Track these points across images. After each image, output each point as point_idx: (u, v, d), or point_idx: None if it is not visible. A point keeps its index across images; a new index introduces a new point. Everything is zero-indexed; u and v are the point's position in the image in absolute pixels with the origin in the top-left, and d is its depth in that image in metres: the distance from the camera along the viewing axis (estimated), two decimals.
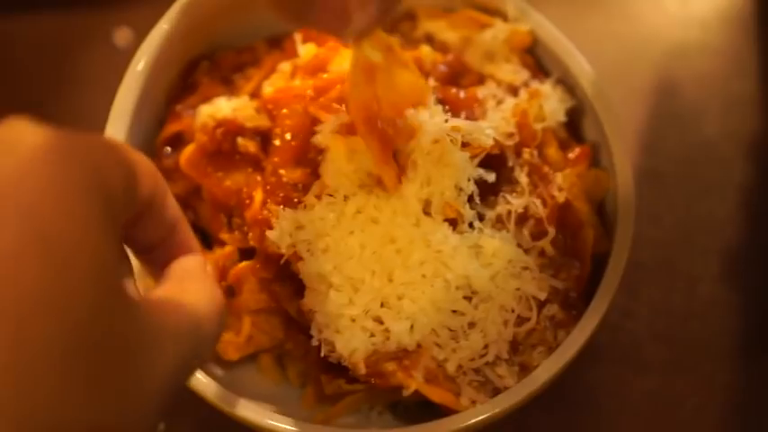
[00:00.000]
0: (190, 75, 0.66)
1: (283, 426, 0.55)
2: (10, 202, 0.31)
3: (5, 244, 0.30)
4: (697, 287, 0.72)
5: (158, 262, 0.45)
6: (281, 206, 0.57)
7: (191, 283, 0.42)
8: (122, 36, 0.84)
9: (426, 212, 0.56)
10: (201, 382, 0.57)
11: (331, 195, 0.56)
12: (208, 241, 0.64)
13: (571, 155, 0.62)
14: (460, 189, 0.56)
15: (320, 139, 0.57)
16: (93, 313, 0.32)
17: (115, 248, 0.35)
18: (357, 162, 0.56)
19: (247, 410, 0.56)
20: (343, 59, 0.60)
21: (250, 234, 0.59)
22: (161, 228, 0.43)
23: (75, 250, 0.31)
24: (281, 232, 0.56)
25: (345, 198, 0.56)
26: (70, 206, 0.32)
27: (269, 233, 0.56)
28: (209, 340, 0.41)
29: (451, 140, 0.55)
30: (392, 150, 0.55)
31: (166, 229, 0.44)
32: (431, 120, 0.56)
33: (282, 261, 0.56)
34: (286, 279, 0.58)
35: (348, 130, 0.57)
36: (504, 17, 0.65)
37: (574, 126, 0.65)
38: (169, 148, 0.64)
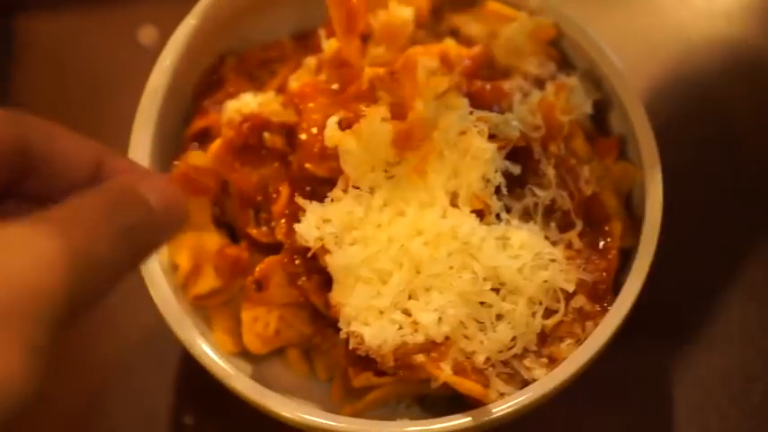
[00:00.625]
0: (216, 71, 0.67)
1: (315, 419, 0.55)
2: None
3: None
4: (724, 282, 0.71)
5: None
6: (309, 200, 0.57)
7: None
8: (147, 34, 0.84)
9: (453, 204, 0.56)
10: (232, 375, 0.57)
11: (357, 188, 0.56)
12: (235, 237, 0.64)
13: (598, 148, 0.62)
14: (488, 181, 0.56)
15: (327, 138, 0.57)
16: None
17: None
18: (372, 151, 0.56)
19: (278, 404, 0.56)
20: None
21: (277, 228, 0.59)
22: (67, 175, 0.39)
23: None
24: (309, 225, 0.56)
25: (371, 190, 0.56)
26: None
27: (297, 226, 0.56)
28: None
29: (478, 132, 0.55)
30: (361, 22, 0.57)
31: (78, 175, 0.39)
32: (456, 111, 0.56)
33: (310, 254, 0.56)
34: (313, 273, 0.58)
35: (347, 123, 0.57)
36: (529, 10, 0.65)
37: (600, 119, 0.65)
38: (197, 144, 0.65)
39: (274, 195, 0.60)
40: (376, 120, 0.56)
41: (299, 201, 0.57)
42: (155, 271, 0.59)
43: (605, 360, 0.56)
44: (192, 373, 0.70)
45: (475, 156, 0.55)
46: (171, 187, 0.39)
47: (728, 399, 0.67)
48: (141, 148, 0.62)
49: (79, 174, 0.39)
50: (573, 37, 0.64)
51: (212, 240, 0.63)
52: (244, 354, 0.62)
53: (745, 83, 0.78)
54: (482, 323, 0.55)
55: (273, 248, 0.61)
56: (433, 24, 0.69)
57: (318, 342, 0.61)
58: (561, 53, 0.65)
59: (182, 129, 0.66)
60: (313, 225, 0.56)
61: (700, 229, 0.73)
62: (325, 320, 0.60)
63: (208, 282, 0.61)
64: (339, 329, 0.56)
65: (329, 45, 0.62)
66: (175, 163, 0.61)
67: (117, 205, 0.35)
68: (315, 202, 0.57)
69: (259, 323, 0.61)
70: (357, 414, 0.59)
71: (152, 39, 0.84)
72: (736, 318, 0.70)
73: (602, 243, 0.59)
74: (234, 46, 0.68)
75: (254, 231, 0.61)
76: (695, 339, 0.69)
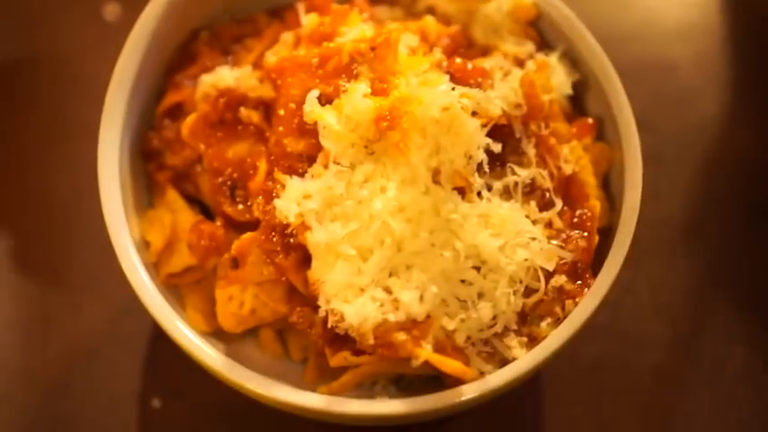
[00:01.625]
0: (189, 46, 0.65)
1: (296, 399, 0.54)
2: None
3: None
4: (696, 264, 0.72)
5: None
6: (289, 175, 0.56)
7: None
8: (111, 11, 0.83)
9: (435, 181, 0.55)
10: (206, 354, 0.56)
11: (338, 164, 0.55)
12: (209, 214, 0.63)
13: (576, 128, 0.62)
14: (470, 157, 0.55)
15: (306, 113, 0.56)
16: None
17: None
18: (353, 127, 0.55)
19: (256, 382, 0.55)
20: (349, 26, 0.59)
21: (254, 205, 0.58)
22: None
23: None
24: (289, 201, 0.55)
25: (352, 166, 0.55)
26: None
27: (276, 202, 0.55)
28: None
29: (462, 108, 0.54)
30: None
31: None
32: (439, 87, 0.55)
33: (290, 230, 0.55)
34: (291, 250, 0.57)
35: (327, 98, 0.56)
36: None
37: (578, 100, 0.65)
38: (168, 120, 0.63)
39: (251, 172, 0.59)
40: (357, 95, 0.55)
41: (279, 176, 0.56)
42: (127, 248, 0.58)
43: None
44: (160, 355, 0.69)
45: (457, 132, 0.55)
46: None
47: None
48: (113, 123, 0.60)
49: None
50: (552, 16, 0.64)
51: (186, 217, 0.61)
52: (216, 334, 0.61)
53: (717, 70, 0.79)
54: (463, 301, 0.55)
55: (250, 227, 0.60)
56: (409, 2, 0.68)
57: (294, 321, 0.60)
58: (539, 33, 0.65)
59: (154, 104, 0.64)
60: (293, 201, 0.55)
61: (668, 211, 0.73)
62: (301, 299, 0.59)
63: (181, 260, 0.60)
64: (315, 309, 0.55)
65: (309, 20, 0.61)
66: None
67: None
68: (295, 178, 0.56)
69: (234, 302, 0.60)
70: (333, 394, 0.58)
71: (116, 15, 0.83)
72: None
73: (581, 222, 0.59)
74: (207, 21, 0.66)
75: (229, 209, 0.60)
76: None
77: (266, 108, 0.60)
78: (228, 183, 0.61)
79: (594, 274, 0.58)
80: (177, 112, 0.63)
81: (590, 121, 0.63)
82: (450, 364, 0.54)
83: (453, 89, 0.56)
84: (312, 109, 0.56)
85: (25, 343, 0.69)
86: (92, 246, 0.71)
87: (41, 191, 0.75)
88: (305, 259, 0.56)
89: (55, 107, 0.78)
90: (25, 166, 0.76)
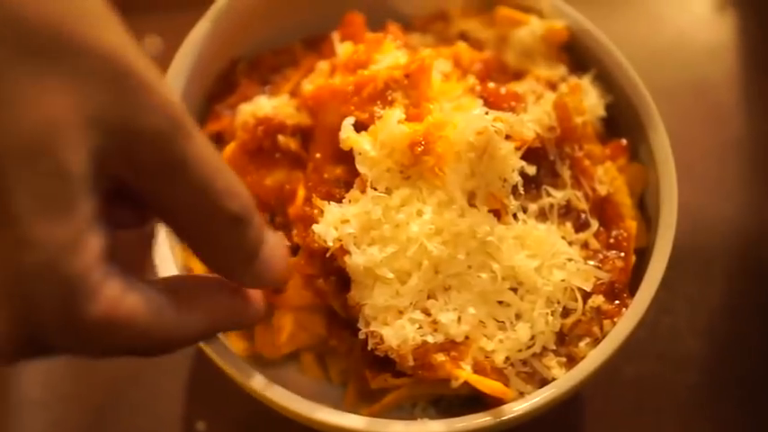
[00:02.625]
0: (228, 75, 0.67)
1: (337, 420, 0.55)
2: None
3: None
4: (732, 283, 0.72)
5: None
6: (326, 201, 0.57)
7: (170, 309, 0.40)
8: (151, 44, 0.85)
9: (471, 204, 0.56)
10: (249, 377, 0.57)
11: (375, 189, 0.56)
12: None
13: (610, 149, 0.63)
14: (504, 180, 0.56)
15: (342, 140, 0.57)
16: None
17: None
18: (388, 153, 0.56)
19: (295, 403, 0.55)
20: (383, 54, 0.60)
21: (294, 231, 0.59)
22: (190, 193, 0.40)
23: None
24: (327, 225, 0.56)
25: (388, 191, 0.56)
26: None
27: (315, 227, 0.56)
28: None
29: (495, 131, 0.55)
30: None
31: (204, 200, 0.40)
32: (473, 112, 0.56)
33: (329, 254, 0.56)
34: (331, 274, 0.58)
35: (363, 125, 0.57)
36: (539, 14, 0.66)
37: (611, 122, 0.65)
38: None
39: (289, 198, 0.60)
40: (392, 121, 0.56)
41: (317, 202, 0.57)
42: (170, 273, 0.59)
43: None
44: (204, 379, 0.70)
45: (492, 155, 0.55)
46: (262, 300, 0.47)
47: None
48: None
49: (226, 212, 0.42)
50: (584, 40, 0.64)
51: None
52: (257, 358, 0.62)
53: (749, 89, 0.79)
54: (501, 322, 0.56)
55: (290, 253, 0.61)
56: (441, 30, 0.69)
57: (334, 345, 0.61)
58: (572, 56, 0.66)
59: None
60: (331, 225, 0.56)
61: (705, 230, 0.73)
62: (340, 323, 0.60)
63: None
64: (355, 332, 0.56)
65: (344, 48, 0.62)
66: None
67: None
68: (333, 203, 0.57)
69: (273, 327, 0.61)
70: (374, 417, 0.59)
71: (157, 49, 0.84)
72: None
73: (617, 243, 0.59)
74: (246, 51, 0.68)
75: None
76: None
77: (304, 135, 0.61)
78: (268, 210, 0.62)
79: (632, 294, 0.58)
80: (218, 140, 0.65)
81: (624, 142, 0.63)
82: (489, 385, 0.54)
83: (487, 113, 0.57)
84: (348, 135, 0.57)
85: (73, 370, 0.71)
86: None
87: None
88: (344, 283, 0.57)
89: None
90: None
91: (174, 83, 0.62)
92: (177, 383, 0.70)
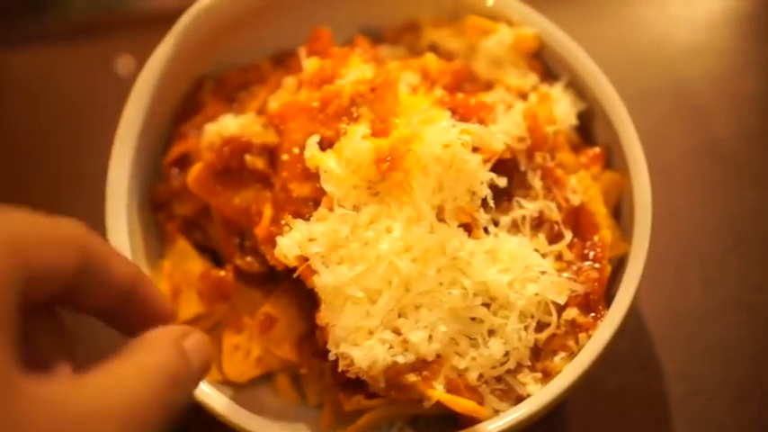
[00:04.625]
0: (194, 95, 0.66)
1: None
2: None
3: None
4: (713, 288, 0.70)
5: (125, 327, 0.44)
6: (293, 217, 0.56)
7: (133, 364, 0.40)
8: (124, 64, 0.84)
9: (440, 219, 0.55)
10: (218, 402, 0.56)
11: (342, 207, 0.55)
12: (219, 261, 0.63)
13: (584, 158, 0.62)
14: (473, 193, 0.55)
15: (307, 159, 0.56)
16: None
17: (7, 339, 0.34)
18: (354, 170, 0.55)
19: (266, 429, 0.54)
20: (349, 68, 0.59)
21: (267, 254, 0.57)
22: (108, 294, 0.42)
23: None
24: (292, 241, 0.54)
25: (356, 208, 0.55)
26: None
27: (279, 239, 0.54)
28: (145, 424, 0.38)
29: (462, 144, 0.54)
30: None
31: (116, 294, 0.42)
32: (439, 125, 0.55)
33: (295, 275, 0.55)
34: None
35: (329, 142, 0.57)
36: (509, 22, 0.65)
37: (584, 129, 0.64)
38: (176, 170, 0.64)
39: (256, 218, 0.59)
40: (356, 138, 0.55)
41: (287, 219, 0.56)
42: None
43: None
44: None
45: (459, 168, 0.54)
46: (207, 344, 0.44)
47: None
48: (120, 175, 0.61)
49: (120, 290, 0.42)
50: (555, 48, 0.63)
51: (196, 266, 0.61)
52: (230, 382, 0.61)
53: (728, 90, 0.78)
54: (474, 339, 0.54)
55: (259, 277, 0.60)
56: (412, 40, 0.68)
57: (304, 372, 0.60)
58: (543, 64, 0.65)
59: (161, 155, 0.65)
60: (296, 242, 0.54)
61: (681, 235, 0.72)
62: (311, 346, 0.59)
63: (191, 307, 0.60)
64: (325, 356, 0.55)
65: (309, 64, 0.61)
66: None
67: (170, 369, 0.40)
68: (300, 221, 0.55)
69: (240, 351, 0.60)
70: None
71: (129, 69, 0.83)
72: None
73: (592, 253, 0.58)
74: (213, 68, 0.67)
75: (239, 261, 0.60)
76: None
77: (271, 154, 0.60)
78: (237, 233, 0.61)
79: (609, 303, 0.57)
80: (185, 161, 0.64)
81: (597, 150, 0.62)
82: (462, 404, 0.53)
83: (454, 126, 0.55)
84: (312, 154, 0.56)
85: None
86: None
87: None
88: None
89: (70, 162, 0.79)
90: None
91: (137, 105, 0.61)
92: None
